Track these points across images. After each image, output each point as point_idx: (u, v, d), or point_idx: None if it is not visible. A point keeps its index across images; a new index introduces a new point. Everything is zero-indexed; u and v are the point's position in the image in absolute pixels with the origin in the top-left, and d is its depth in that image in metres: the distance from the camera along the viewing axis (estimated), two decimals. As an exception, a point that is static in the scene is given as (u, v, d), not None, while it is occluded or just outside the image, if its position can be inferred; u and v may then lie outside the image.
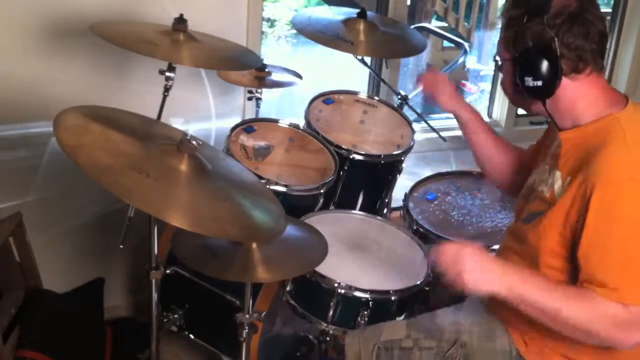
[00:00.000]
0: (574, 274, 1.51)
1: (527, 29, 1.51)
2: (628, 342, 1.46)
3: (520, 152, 2.00)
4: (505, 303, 1.68)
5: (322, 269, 1.81)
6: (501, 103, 3.36)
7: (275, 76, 2.47)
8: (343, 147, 2.27)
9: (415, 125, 2.53)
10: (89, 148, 1.43)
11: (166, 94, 1.99)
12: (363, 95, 2.59)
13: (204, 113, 2.59)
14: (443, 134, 2.68)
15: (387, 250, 2.04)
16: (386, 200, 2.48)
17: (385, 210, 2.49)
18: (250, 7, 2.52)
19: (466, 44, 3.29)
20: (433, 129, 2.64)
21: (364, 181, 2.38)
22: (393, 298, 1.86)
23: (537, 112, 1.64)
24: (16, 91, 2.29)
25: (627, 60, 3.39)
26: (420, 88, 2.11)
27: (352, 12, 2.43)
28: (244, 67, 2.23)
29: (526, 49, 1.51)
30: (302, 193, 2.11)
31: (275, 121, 2.36)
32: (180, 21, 1.91)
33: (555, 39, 1.47)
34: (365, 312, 1.84)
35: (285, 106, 4.05)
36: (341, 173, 2.25)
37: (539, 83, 1.51)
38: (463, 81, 5.58)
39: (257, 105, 2.51)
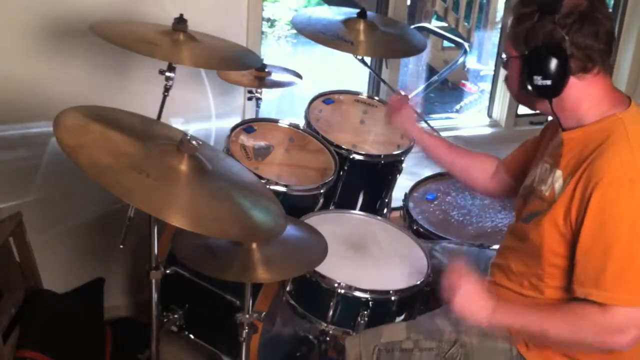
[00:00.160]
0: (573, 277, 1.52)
1: (537, 27, 1.50)
2: (620, 343, 1.47)
3: (491, 157, 2.05)
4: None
5: (322, 269, 1.81)
6: (501, 103, 3.36)
7: (275, 76, 2.47)
8: (343, 147, 2.27)
9: (415, 125, 2.52)
10: (89, 148, 1.43)
11: (166, 94, 1.99)
12: (363, 95, 2.59)
13: (204, 113, 2.59)
14: (443, 134, 2.69)
15: (387, 250, 2.04)
16: (386, 200, 2.48)
17: (385, 210, 2.49)
18: (250, 7, 2.52)
19: (466, 44, 3.30)
20: (433, 129, 2.64)
21: (364, 181, 2.38)
22: (393, 298, 1.85)
23: (541, 111, 1.64)
24: (16, 91, 2.29)
25: (627, 60, 3.39)
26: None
27: (352, 12, 2.43)
28: (244, 67, 2.23)
29: (536, 47, 1.51)
30: (302, 193, 2.11)
31: (275, 121, 2.36)
32: (180, 21, 1.91)
33: (566, 38, 1.47)
34: (365, 312, 1.84)
35: (285, 106, 4.05)
36: (341, 173, 2.25)
37: (548, 82, 1.51)
38: (463, 81, 5.59)
39: (257, 105, 2.51)
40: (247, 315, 1.75)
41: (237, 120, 2.51)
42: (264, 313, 1.85)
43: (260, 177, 1.98)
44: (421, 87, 3.32)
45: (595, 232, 1.46)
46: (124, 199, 1.37)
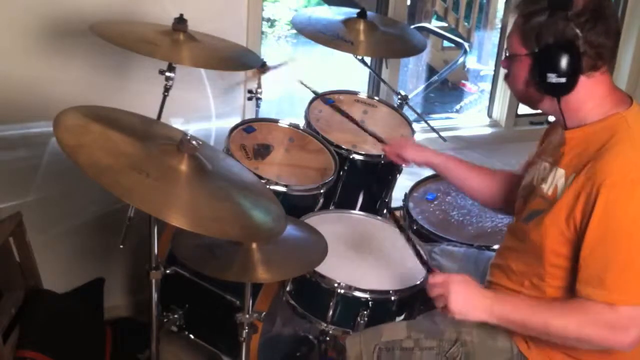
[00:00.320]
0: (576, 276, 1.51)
1: (549, 25, 1.49)
2: (622, 343, 1.47)
3: (508, 174, 1.99)
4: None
5: (322, 269, 1.81)
6: (501, 103, 3.36)
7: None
8: (343, 147, 2.27)
9: (415, 125, 2.53)
10: (89, 148, 1.43)
11: (166, 94, 1.99)
12: (363, 95, 2.59)
13: (204, 113, 2.59)
14: (443, 134, 2.69)
15: (387, 250, 2.03)
16: (386, 200, 2.48)
17: (385, 210, 2.49)
18: (250, 7, 2.52)
19: (466, 44, 3.29)
20: (433, 129, 2.64)
21: (364, 181, 2.38)
22: (393, 298, 1.85)
23: (544, 110, 1.63)
24: (16, 91, 2.29)
25: (627, 60, 3.39)
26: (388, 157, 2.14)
27: (352, 12, 2.43)
28: (244, 67, 2.23)
29: (548, 45, 1.50)
30: (302, 193, 2.11)
31: (275, 121, 2.36)
32: (180, 21, 1.91)
33: (580, 35, 1.47)
34: (365, 312, 1.84)
35: (285, 106, 4.05)
36: (341, 173, 2.25)
37: (562, 80, 1.50)
38: (463, 81, 5.59)
39: (257, 105, 2.51)
40: (247, 315, 1.75)
41: (237, 120, 2.51)
42: (264, 313, 1.85)
43: (260, 177, 1.98)
44: (421, 87, 3.32)
45: (600, 233, 1.45)
46: (124, 199, 1.37)
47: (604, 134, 1.51)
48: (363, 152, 2.30)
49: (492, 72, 3.52)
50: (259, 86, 2.47)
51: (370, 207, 2.37)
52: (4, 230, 2.12)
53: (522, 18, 1.55)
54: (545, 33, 1.50)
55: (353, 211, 2.22)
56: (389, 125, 2.52)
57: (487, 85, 4.49)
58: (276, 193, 1.95)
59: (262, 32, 2.77)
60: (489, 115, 3.43)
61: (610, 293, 1.45)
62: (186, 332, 2.17)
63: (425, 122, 2.70)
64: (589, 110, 1.56)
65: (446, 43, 5.46)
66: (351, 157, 2.26)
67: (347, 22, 2.39)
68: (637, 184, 1.44)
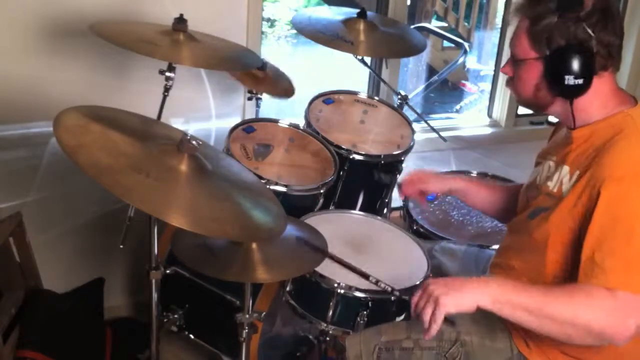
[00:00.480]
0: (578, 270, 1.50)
1: (560, 26, 1.48)
2: (622, 332, 1.42)
3: (519, 186, 1.94)
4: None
5: (322, 269, 1.81)
6: (501, 103, 3.36)
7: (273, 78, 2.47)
8: (343, 147, 2.27)
9: (415, 125, 2.53)
10: (89, 148, 1.43)
11: (166, 94, 1.99)
12: (363, 95, 2.59)
13: (204, 113, 2.59)
14: (443, 134, 2.69)
15: (387, 250, 2.03)
16: (386, 200, 2.48)
17: (385, 210, 2.49)
18: (250, 7, 2.52)
19: (466, 44, 3.29)
20: (433, 129, 2.64)
21: (364, 181, 2.38)
22: (393, 298, 1.85)
23: (551, 113, 1.63)
24: (16, 91, 2.29)
25: (627, 60, 3.40)
26: (403, 196, 2.08)
27: (352, 12, 2.43)
28: (244, 67, 2.23)
29: (560, 47, 1.49)
30: (302, 193, 2.11)
31: (275, 121, 2.36)
32: (180, 21, 1.91)
33: (593, 36, 1.47)
34: (365, 312, 1.84)
35: (285, 106, 4.05)
36: (341, 173, 2.25)
37: (580, 81, 1.49)
38: (463, 81, 5.59)
39: (257, 105, 2.51)
40: (247, 315, 1.75)
41: (237, 120, 2.51)
42: (264, 313, 1.85)
43: (260, 177, 1.98)
44: (421, 87, 3.32)
45: (606, 225, 1.44)
46: (124, 199, 1.37)
47: (610, 130, 1.52)
48: (363, 152, 2.30)
49: (492, 72, 3.52)
50: (259, 86, 2.47)
51: (370, 207, 2.37)
52: (4, 230, 2.12)
53: (529, 20, 1.53)
54: (557, 35, 1.49)
55: (353, 211, 2.22)
56: (388, 125, 2.52)
57: (487, 85, 4.49)
58: (276, 193, 1.95)
59: (262, 32, 2.77)
60: (489, 115, 3.43)
61: (612, 277, 1.42)
62: (186, 332, 2.17)
63: (425, 122, 2.70)
64: (595, 109, 1.56)
65: (446, 43, 5.45)
66: (351, 157, 2.26)
67: (347, 22, 2.39)
68: None
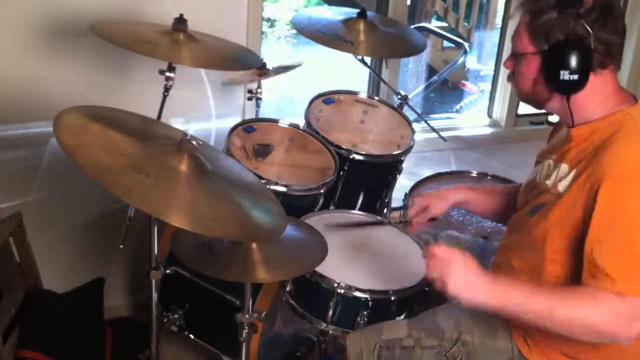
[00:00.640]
0: (577, 270, 1.50)
1: (559, 22, 1.49)
2: (629, 334, 1.43)
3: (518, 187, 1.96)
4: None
5: (322, 269, 1.81)
6: (501, 103, 3.36)
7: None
8: (343, 147, 2.27)
9: (415, 125, 2.53)
10: (89, 148, 1.43)
11: (166, 94, 1.99)
12: (363, 95, 2.59)
13: (204, 113, 2.59)
14: (443, 134, 2.69)
15: (387, 250, 2.04)
16: (386, 200, 2.48)
17: (385, 210, 2.49)
18: (250, 7, 2.52)
19: (466, 44, 3.29)
20: (433, 129, 2.64)
21: (364, 181, 2.38)
22: (393, 298, 1.86)
23: (549, 109, 1.63)
24: (16, 91, 2.29)
25: (627, 60, 3.40)
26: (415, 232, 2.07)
27: (352, 12, 2.43)
28: (244, 67, 2.23)
29: (558, 42, 1.50)
30: (302, 193, 2.11)
31: (275, 121, 2.36)
32: (180, 21, 1.91)
33: (591, 33, 1.47)
34: (365, 312, 1.84)
35: (285, 106, 4.05)
36: (341, 173, 2.25)
37: (575, 77, 1.50)
38: (463, 81, 5.59)
39: (257, 105, 2.51)
40: (247, 315, 1.75)
41: (237, 120, 2.51)
42: (264, 313, 1.84)
43: (260, 177, 1.98)
44: (421, 87, 3.32)
45: (606, 224, 1.44)
46: (124, 199, 1.37)
47: (609, 129, 1.52)
48: (363, 152, 2.30)
49: (492, 72, 3.51)
50: (259, 86, 2.47)
51: (370, 207, 2.37)
52: (4, 230, 2.12)
53: (530, 15, 1.54)
54: (555, 30, 1.50)
55: (353, 211, 2.22)
56: (388, 125, 2.52)
57: (487, 85, 4.49)
58: (276, 193, 1.95)
59: (262, 32, 2.77)
60: (489, 115, 3.43)
61: (620, 284, 1.42)
62: (186, 332, 2.17)
63: (425, 122, 2.69)
64: (594, 107, 1.56)
65: (446, 43, 5.45)
66: (351, 157, 2.26)
67: (347, 22, 2.39)
68: None
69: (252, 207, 1.60)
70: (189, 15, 1.92)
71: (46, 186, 2.42)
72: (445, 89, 5.53)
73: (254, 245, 1.67)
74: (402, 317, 1.89)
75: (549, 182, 1.62)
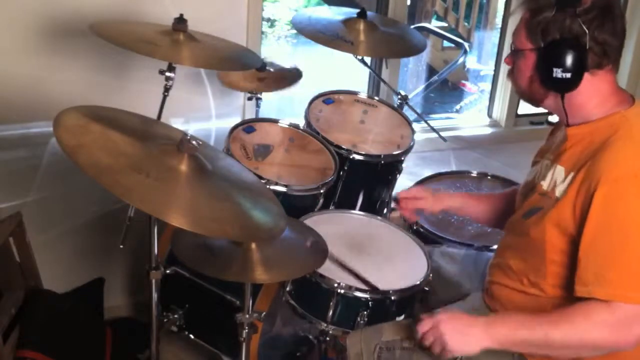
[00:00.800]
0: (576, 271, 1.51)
1: (556, 20, 1.49)
2: (628, 341, 1.45)
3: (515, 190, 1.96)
4: (505, 303, 1.68)
5: (321, 269, 1.81)
6: (501, 103, 3.36)
7: (275, 75, 2.47)
8: (343, 147, 2.27)
9: (415, 125, 2.53)
10: (89, 148, 1.43)
11: (166, 94, 1.99)
12: (363, 95, 2.59)
13: (204, 113, 2.59)
14: (443, 134, 2.69)
15: (387, 250, 2.04)
16: (386, 200, 2.48)
17: (385, 210, 2.49)
18: (250, 7, 2.52)
19: (466, 44, 3.29)
20: (433, 129, 2.64)
21: (364, 181, 2.38)
22: (393, 298, 1.86)
23: (546, 107, 1.63)
24: (16, 91, 2.29)
25: (627, 60, 3.40)
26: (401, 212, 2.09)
27: (352, 12, 2.43)
28: (244, 67, 2.23)
29: (554, 40, 1.50)
30: (302, 193, 2.11)
31: (275, 121, 2.36)
32: (180, 21, 1.91)
33: (587, 32, 1.47)
34: (365, 312, 1.84)
35: (285, 106, 4.05)
36: (341, 173, 2.25)
37: (568, 75, 1.50)
38: (463, 81, 5.59)
39: (257, 105, 2.51)
40: (247, 315, 1.75)
41: (237, 120, 2.51)
42: (264, 313, 1.84)
43: (260, 177, 1.98)
44: (421, 87, 3.32)
45: (601, 229, 1.45)
46: (124, 199, 1.37)
47: (605, 131, 1.52)
48: (363, 152, 2.30)
49: (492, 72, 3.51)
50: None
51: (370, 207, 2.37)
52: (4, 230, 2.12)
53: (529, 13, 1.55)
54: (552, 28, 1.50)
55: (353, 211, 2.23)
56: (388, 125, 2.52)
57: (487, 85, 4.49)
58: (276, 193, 1.95)
59: (262, 32, 2.77)
60: (489, 115, 3.43)
61: (610, 289, 1.43)
62: (186, 332, 2.17)
63: (425, 122, 2.70)
64: (591, 108, 1.56)
65: (446, 43, 5.45)
66: (351, 157, 2.26)
67: (347, 22, 2.39)
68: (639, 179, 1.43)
69: (252, 207, 1.60)
70: (189, 15, 1.92)
71: (46, 186, 2.42)
72: (445, 89, 5.53)
73: (254, 246, 1.67)
74: (402, 317, 1.89)
75: (544, 184, 1.62)
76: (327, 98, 2.51)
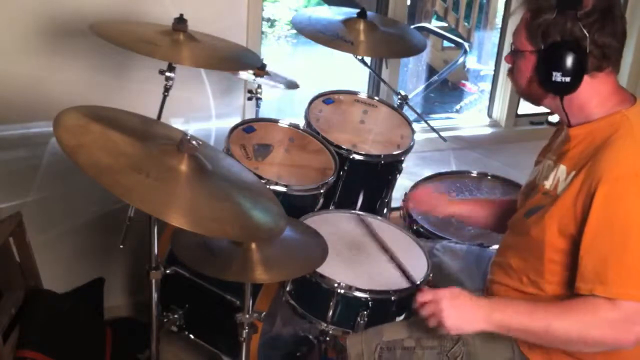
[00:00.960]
0: (576, 270, 1.51)
1: (557, 23, 1.49)
2: (628, 340, 1.45)
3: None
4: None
5: (321, 269, 1.81)
6: (501, 103, 3.36)
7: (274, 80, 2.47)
8: (343, 147, 2.27)
9: (415, 125, 2.53)
10: (89, 148, 1.43)
11: (166, 94, 1.99)
12: (363, 95, 2.59)
13: (204, 113, 2.59)
14: (443, 134, 2.69)
15: (387, 250, 2.03)
16: (386, 200, 2.48)
17: (385, 210, 2.49)
18: (250, 7, 2.52)
19: (466, 44, 3.30)
20: (433, 129, 2.64)
21: (364, 181, 2.38)
22: (393, 298, 1.85)
23: (547, 107, 1.63)
24: (16, 91, 2.29)
25: (627, 60, 3.40)
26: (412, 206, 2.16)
27: (352, 12, 2.43)
28: (244, 67, 2.23)
29: (554, 43, 1.50)
30: (302, 193, 2.11)
31: (275, 121, 2.36)
32: (180, 21, 1.91)
33: (587, 36, 1.47)
34: (365, 312, 1.84)
35: (285, 106, 4.05)
36: (341, 173, 2.25)
37: (567, 79, 1.50)
38: (463, 81, 5.59)
39: (257, 105, 2.51)
40: (247, 315, 1.75)
41: (237, 120, 2.51)
42: (264, 313, 1.84)
43: (260, 177, 1.98)
44: (421, 87, 3.32)
45: (602, 227, 1.45)
46: (124, 199, 1.37)
47: (606, 131, 1.52)
48: (363, 152, 2.30)
49: (492, 72, 3.52)
50: (259, 86, 2.47)
51: (370, 207, 2.37)
52: (4, 230, 2.12)
53: (530, 14, 1.55)
54: (552, 31, 1.50)
55: (353, 211, 2.22)
56: (388, 125, 2.52)
57: (487, 85, 4.49)
58: (276, 193, 1.95)
59: (262, 32, 2.77)
60: (489, 115, 3.43)
61: (612, 287, 1.43)
62: (186, 332, 2.17)
63: (425, 122, 2.69)
64: (592, 108, 1.56)
65: (446, 43, 5.46)
66: (351, 157, 2.26)
67: (347, 22, 2.39)
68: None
69: (252, 207, 1.60)
70: (189, 15, 1.92)
71: (46, 186, 2.42)
72: (445, 89, 5.53)
73: (254, 246, 1.67)
74: (402, 317, 1.89)
75: (547, 183, 1.62)
76: (327, 98, 2.51)
